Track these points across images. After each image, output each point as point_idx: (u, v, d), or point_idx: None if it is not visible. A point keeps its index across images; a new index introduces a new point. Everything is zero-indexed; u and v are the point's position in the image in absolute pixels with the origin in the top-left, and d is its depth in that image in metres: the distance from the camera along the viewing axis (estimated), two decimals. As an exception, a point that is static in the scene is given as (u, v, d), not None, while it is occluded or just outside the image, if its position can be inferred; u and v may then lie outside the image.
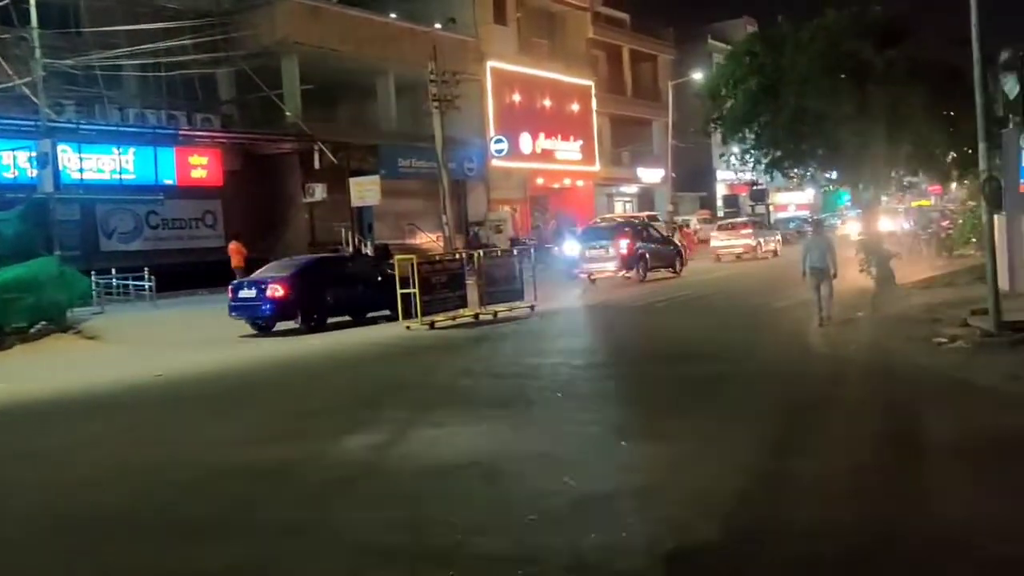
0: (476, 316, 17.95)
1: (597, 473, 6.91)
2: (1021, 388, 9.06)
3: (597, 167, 46.06)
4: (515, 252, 20.87)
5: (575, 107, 44.27)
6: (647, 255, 26.07)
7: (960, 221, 26.10)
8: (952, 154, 18.79)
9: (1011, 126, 16.94)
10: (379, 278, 18.99)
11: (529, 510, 6.03)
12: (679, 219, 43.24)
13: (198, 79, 30.61)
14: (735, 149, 20.48)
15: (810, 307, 14.50)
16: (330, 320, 17.98)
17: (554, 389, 10.67)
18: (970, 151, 16.05)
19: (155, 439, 9.02)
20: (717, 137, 21.49)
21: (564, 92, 43.57)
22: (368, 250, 31.69)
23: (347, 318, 18.46)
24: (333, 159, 31.22)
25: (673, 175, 47.79)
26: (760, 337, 13.94)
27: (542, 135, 41.91)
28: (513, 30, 41.58)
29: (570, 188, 45.35)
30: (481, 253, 19.93)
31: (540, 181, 42.86)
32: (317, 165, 31.13)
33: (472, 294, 18.39)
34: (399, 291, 17.17)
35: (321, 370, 13.25)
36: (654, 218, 42.01)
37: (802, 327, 14.24)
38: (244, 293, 17.70)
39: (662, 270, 27.01)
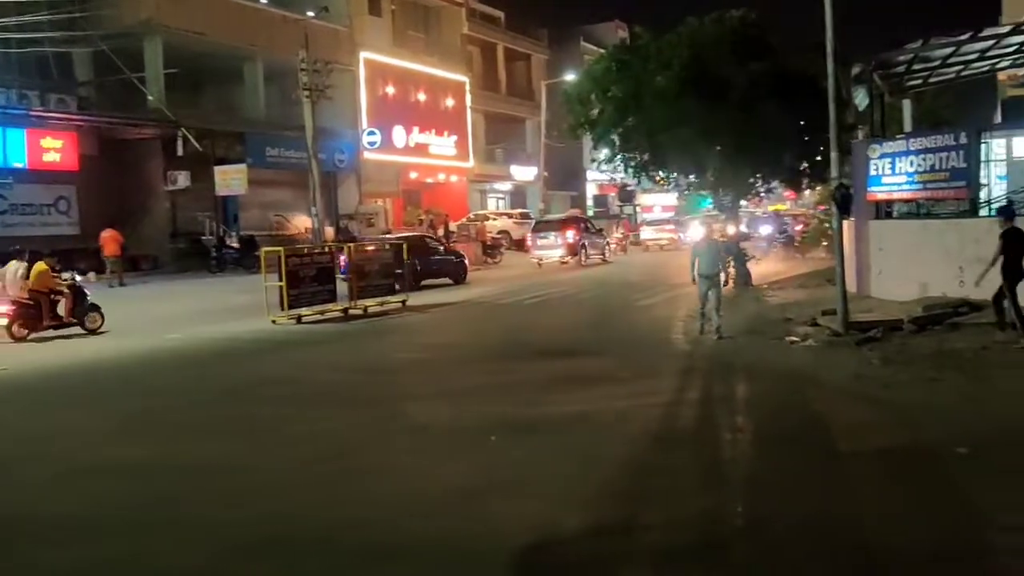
0: (345, 311, 17.69)
1: (465, 469, 6.92)
2: (864, 386, 9.59)
3: (471, 163, 46.15)
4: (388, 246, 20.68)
5: (450, 102, 44.22)
6: (587, 244, 30.98)
7: (813, 225, 27.57)
8: (805, 163, 19.77)
9: (861, 136, 18.00)
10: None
11: (395, 505, 6.00)
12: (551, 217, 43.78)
13: (53, 58, 28.92)
14: (604, 152, 20.96)
15: (695, 316, 13.76)
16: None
17: (421, 384, 10.64)
18: (822, 159, 16.95)
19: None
20: (588, 138, 21.92)
21: (439, 86, 43.46)
22: (233, 241, 30.74)
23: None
24: (198, 146, 30.12)
25: (545, 174, 48.37)
26: (620, 334, 14.26)
27: (416, 129, 41.67)
28: (388, 22, 41.16)
29: (444, 183, 45.27)
30: (352, 246, 19.67)
31: (413, 175, 42.61)
32: (180, 152, 29.97)
33: (343, 288, 18.13)
34: (265, 284, 16.75)
35: (167, 368, 12.59)
36: (526, 215, 42.54)
37: (664, 324, 14.71)
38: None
39: (595, 257, 31.34)
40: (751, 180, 19.93)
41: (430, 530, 5.56)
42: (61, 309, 15.64)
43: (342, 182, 38.41)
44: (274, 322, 16.40)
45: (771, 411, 8.66)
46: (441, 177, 44.76)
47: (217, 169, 31.08)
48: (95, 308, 15.94)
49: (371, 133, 38.46)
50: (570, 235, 30.22)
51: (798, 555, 5.05)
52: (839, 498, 5.93)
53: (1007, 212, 12.16)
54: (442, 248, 25.92)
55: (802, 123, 18.37)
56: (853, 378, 10.01)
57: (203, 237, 31.01)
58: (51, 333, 15.33)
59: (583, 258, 30.54)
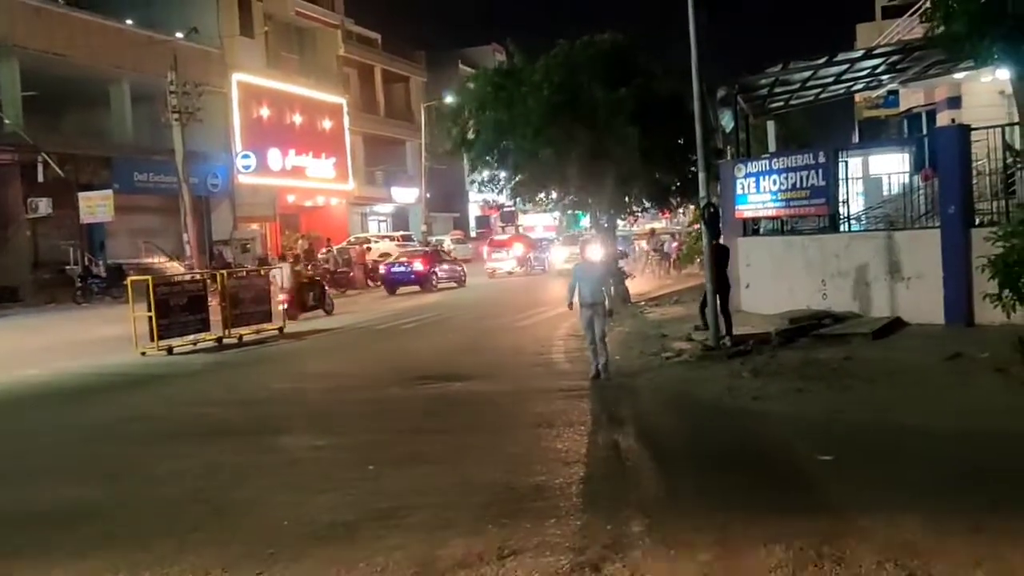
0: (219, 340, 17.12)
1: (341, 501, 6.75)
2: (735, 398, 9.87)
3: (351, 186, 45.64)
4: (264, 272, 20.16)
5: (327, 124, 43.65)
6: (531, 258, 36.30)
7: (687, 243, 28.39)
8: (677, 182, 20.32)
9: (728, 157, 18.65)
10: None
11: (266, 544, 5.78)
12: (433, 239, 43.68)
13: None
14: (484, 174, 21.06)
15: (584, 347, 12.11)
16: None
17: (296, 415, 10.37)
18: (692, 179, 17.46)
19: None
20: (467, 159, 21.99)
21: (315, 108, 42.86)
22: (100, 270, 29.40)
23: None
24: (59, 172, 28.73)
25: (427, 195, 48.30)
26: (499, 357, 14.26)
27: (292, 151, 40.93)
28: (261, 43, 40.38)
29: (323, 207, 44.59)
30: (225, 273, 19.08)
31: (291, 199, 41.81)
32: (41, 178, 28.52)
33: (217, 316, 17.55)
34: (133, 314, 16.05)
35: (23, 407, 11.85)
36: (408, 238, 42.32)
37: (545, 345, 14.80)
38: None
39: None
40: (625, 200, 20.35)
41: (299, 573, 5.37)
42: None
43: (216, 207, 37.32)
44: (143, 354, 15.73)
45: (649, 427, 8.80)
46: (320, 200, 44.09)
47: (81, 195, 29.73)
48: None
49: (245, 156, 37.56)
50: (520, 249, 35.98)
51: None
52: (704, 510, 6.03)
53: (711, 229, 13.39)
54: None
55: (672, 144, 18.89)
56: (725, 391, 10.29)
57: (67, 267, 29.53)
58: None
59: (528, 268, 35.41)
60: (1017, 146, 14.81)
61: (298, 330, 18.78)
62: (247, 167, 37.59)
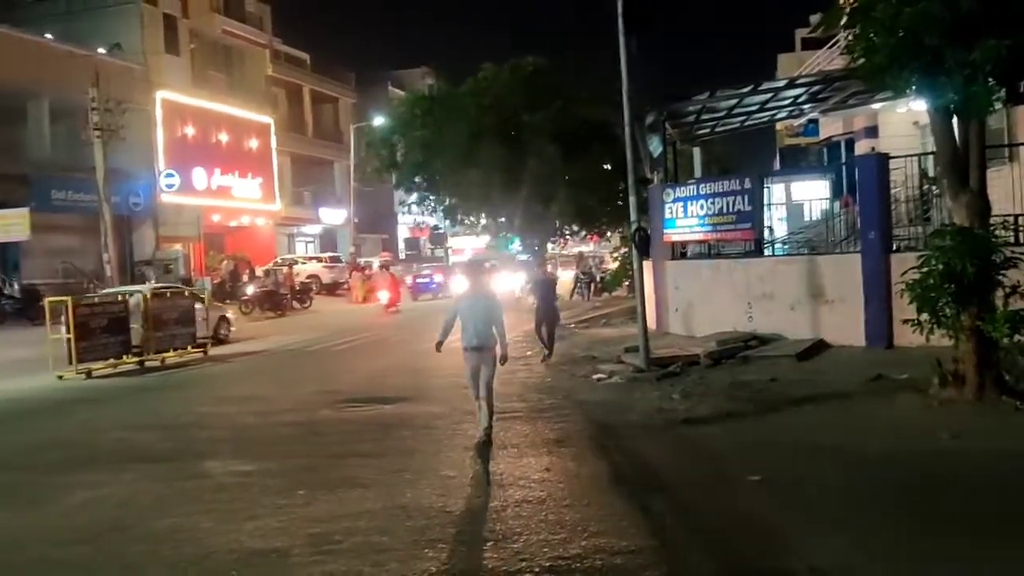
0: (141, 363, 16.64)
1: (269, 528, 6.58)
2: (664, 421, 9.97)
3: (278, 206, 44.98)
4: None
5: (254, 144, 43.00)
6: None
7: (616, 266, 28.70)
8: (607, 207, 20.60)
9: (656, 182, 18.95)
10: None
11: (189, 573, 5.61)
12: (361, 261, 43.27)
13: None
14: (414, 196, 21.05)
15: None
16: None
17: (221, 440, 10.11)
18: (622, 203, 17.70)
19: None
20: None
21: (242, 128, 42.19)
22: (14, 291, 28.33)
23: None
24: (-29, 189, 27.66)
25: (356, 217, 47.90)
26: (430, 378, 14.15)
27: (218, 171, 40.16)
28: (186, 61, 39.64)
29: (249, 227, 43.84)
30: (148, 294, 18.58)
31: (216, 218, 40.98)
32: (-49, 195, 27.43)
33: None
34: (50, 336, 15.51)
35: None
36: (336, 259, 41.85)
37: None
38: None
39: None
40: (555, 223, 20.54)
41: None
42: None
43: (138, 226, 36.33)
44: (61, 378, 15.20)
45: (581, 449, 8.81)
46: (246, 220, 43.33)
47: (-5, 213, 28.64)
48: None
49: (169, 175, 36.71)
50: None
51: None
52: (640, 531, 6.06)
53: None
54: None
55: (599, 168, 19.15)
56: (656, 412, 10.39)
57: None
58: None
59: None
60: (931, 174, 15.38)
61: (224, 353, 18.37)
62: (171, 186, 36.74)
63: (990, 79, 8.92)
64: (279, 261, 39.33)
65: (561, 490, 7.33)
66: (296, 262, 39.74)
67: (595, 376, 13.23)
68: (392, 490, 7.43)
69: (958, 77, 8.83)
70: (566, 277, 34.18)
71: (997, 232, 9.79)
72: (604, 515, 6.55)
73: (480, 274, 10.72)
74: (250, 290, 30.25)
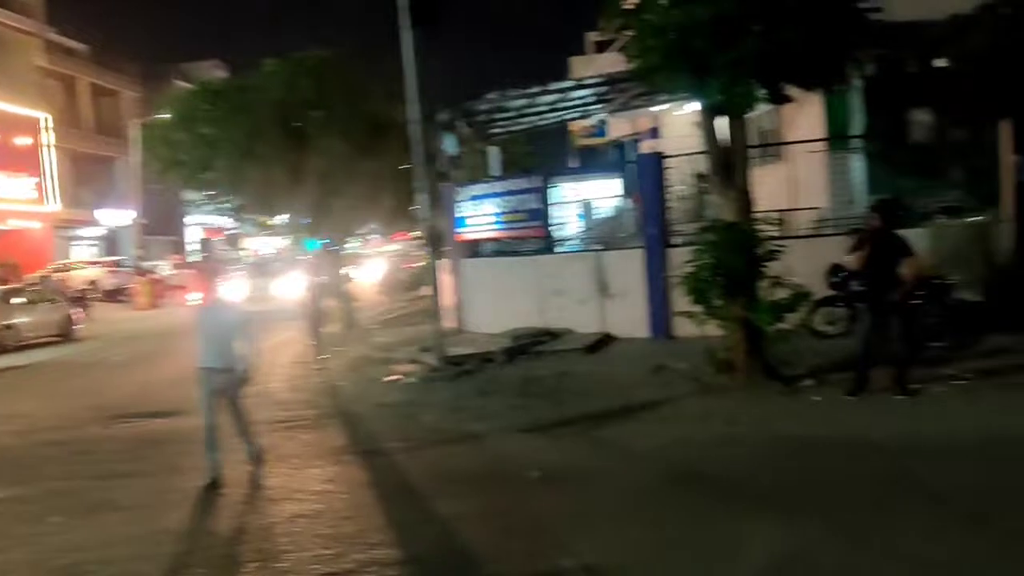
0: None
1: (17, 559, 5.93)
2: (457, 420, 9.86)
3: (54, 207, 41.64)
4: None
5: (24, 140, 39.58)
6: None
7: (418, 265, 28.51)
8: (407, 205, 20.34)
9: (451, 180, 18.90)
10: None
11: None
12: (146, 264, 40.68)
13: None
14: (200, 196, 19.98)
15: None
16: None
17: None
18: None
19: None
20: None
21: (10, 123, 38.70)
22: None
23: None
24: None
25: (144, 221, 45.11)
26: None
27: (-19, 170, 36.71)
28: (-58, 48, 35.96)
29: (20, 230, 40.28)
30: None
31: (-19, 222, 37.43)
32: None
33: None
34: None
35: None
36: (119, 263, 39.30)
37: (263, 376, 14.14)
38: None
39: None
40: (351, 222, 20.10)
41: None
42: None
43: None
44: None
45: (370, 456, 8.54)
46: (16, 223, 39.81)
47: None
48: None
49: (-78, 175, 33.16)
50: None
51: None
52: (419, 540, 5.91)
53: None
54: None
55: (393, 167, 18.87)
56: (449, 412, 10.28)
57: None
58: None
59: None
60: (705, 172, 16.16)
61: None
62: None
63: (752, 79, 9.41)
64: (54, 268, 36.46)
65: (342, 501, 7.07)
66: (71, 267, 37.02)
67: (391, 377, 12.99)
68: (157, 512, 6.91)
69: (723, 77, 9.25)
70: (375, 278, 33.79)
71: (763, 226, 10.34)
72: (384, 525, 6.35)
73: (214, 278, 9.11)
74: None
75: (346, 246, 23.48)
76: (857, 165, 15.80)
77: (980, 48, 12.74)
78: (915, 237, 9.91)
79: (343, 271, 21.36)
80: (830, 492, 6.40)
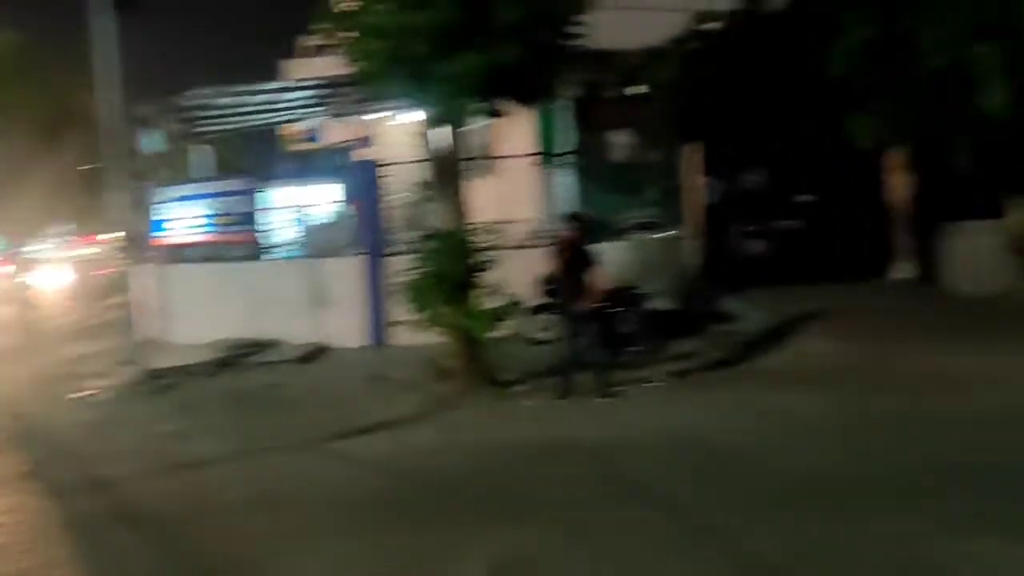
0: None
1: None
2: (153, 440, 9.11)
3: None
4: None
5: None
6: None
7: (116, 271, 26.28)
8: (96, 204, 18.77)
9: (154, 180, 17.65)
10: None
11: None
12: None
13: None
14: None
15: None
16: None
17: None
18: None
19: None
20: None
21: None
22: None
23: None
24: None
25: None
26: None
27: None
28: None
29: None
30: None
31: None
32: None
33: None
34: None
35: None
36: None
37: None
38: None
39: None
40: (30, 221, 18.19)
41: None
42: None
43: None
44: None
45: (54, 484, 7.63)
46: None
47: None
48: None
49: None
50: None
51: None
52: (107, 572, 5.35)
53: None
54: None
55: (81, 164, 17.33)
56: (144, 431, 9.49)
57: None
58: None
59: None
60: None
61: None
62: None
63: (471, 93, 9.58)
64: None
65: (23, 533, 6.27)
66: None
67: (78, 395, 11.80)
68: None
69: (442, 88, 9.35)
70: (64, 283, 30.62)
71: (480, 236, 10.54)
72: (72, 557, 5.69)
73: None
74: None
75: (25, 248, 21.20)
76: (568, 180, 16.65)
77: (670, 78, 13.97)
78: (613, 250, 10.62)
79: (19, 277, 19.21)
80: (543, 492, 6.59)
